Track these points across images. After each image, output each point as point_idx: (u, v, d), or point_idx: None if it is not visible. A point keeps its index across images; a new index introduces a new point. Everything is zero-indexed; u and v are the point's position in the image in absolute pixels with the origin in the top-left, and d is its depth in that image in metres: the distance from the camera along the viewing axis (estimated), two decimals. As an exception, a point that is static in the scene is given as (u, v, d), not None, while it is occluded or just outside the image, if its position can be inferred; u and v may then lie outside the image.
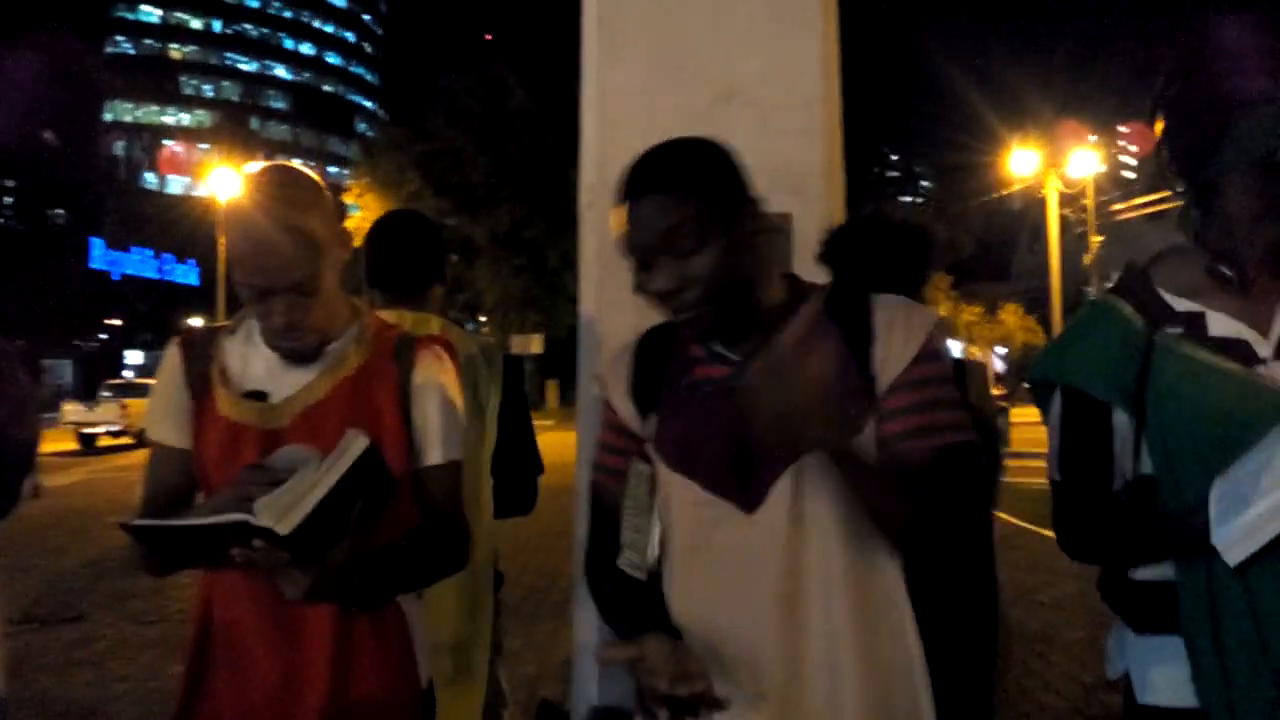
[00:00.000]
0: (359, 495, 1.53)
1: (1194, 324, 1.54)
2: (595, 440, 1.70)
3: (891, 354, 1.48)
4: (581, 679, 2.95)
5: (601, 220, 2.87)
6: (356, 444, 1.54)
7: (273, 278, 1.57)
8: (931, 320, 1.52)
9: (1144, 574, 1.59)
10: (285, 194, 1.58)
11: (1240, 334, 1.52)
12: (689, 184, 1.44)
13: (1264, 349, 1.50)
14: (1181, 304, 1.56)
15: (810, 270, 2.31)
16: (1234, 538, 1.35)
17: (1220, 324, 1.53)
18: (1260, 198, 1.52)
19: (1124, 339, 1.57)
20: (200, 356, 1.72)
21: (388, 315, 2.41)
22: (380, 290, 2.56)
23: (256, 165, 1.68)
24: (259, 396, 1.67)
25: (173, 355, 1.75)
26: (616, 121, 2.90)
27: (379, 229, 2.66)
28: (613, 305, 2.82)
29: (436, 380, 1.73)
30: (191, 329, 1.80)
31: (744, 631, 1.46)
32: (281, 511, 1.43)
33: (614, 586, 1.59)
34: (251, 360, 1.71)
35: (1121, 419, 1.57)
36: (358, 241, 2.57)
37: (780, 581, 1.45)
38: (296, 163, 1.79)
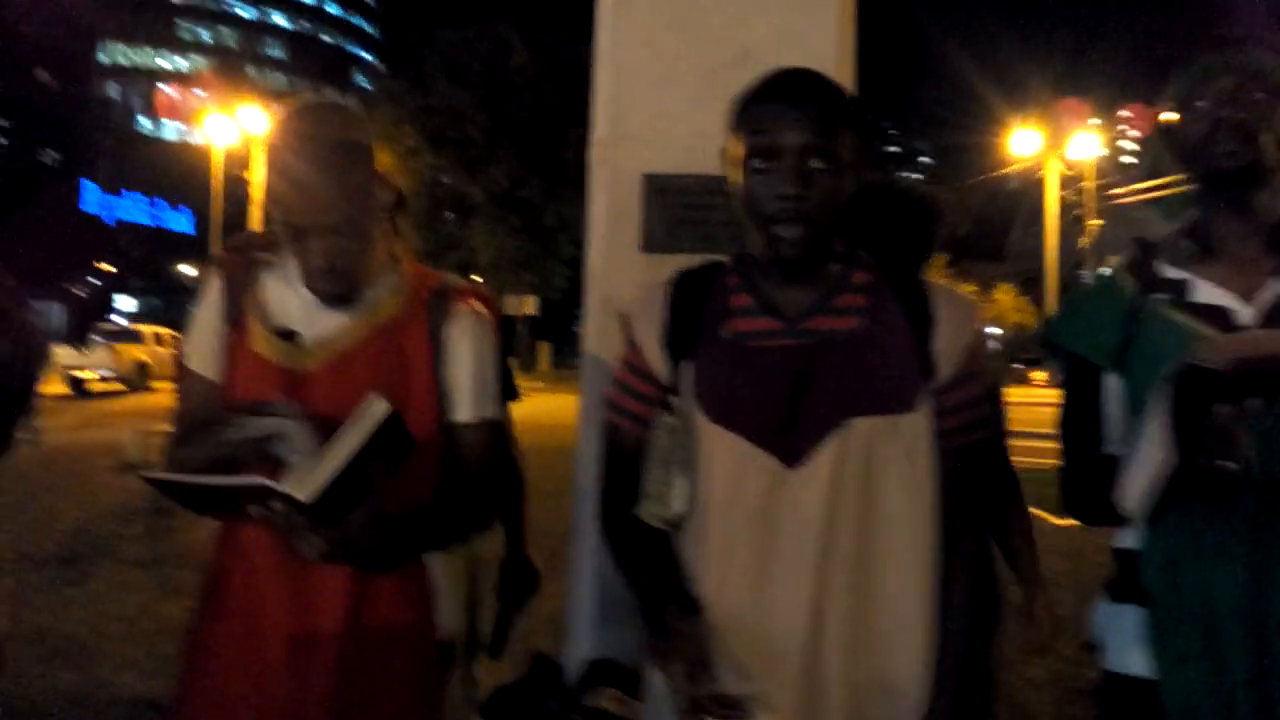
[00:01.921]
0: (378, 458, 1.51)
1: (1178, 291, 1.60)
2: (612, 378, 1.67)
3: (951, 344, 1.52)
4: (576, 631, 2.99)
5: (612, 177, 2.88)
6: (377, 408, 1.51)
7: (312, 218, 1.55)
8: (976, 311, 1.59)
9: (1123, 542, 1.66)
10: (326, 135, 1.56)
11: (1221, 301, 1.57)
12: (851, 112, 1.51)
13: (1244, 316, 1.55)
14: (1172, 272, 1.62)
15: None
16: (1123, 494, 1.43)
17: (1204, 291, 1.59)
18: (1198, 148, 1.59)
19: (1115, 306, 1.64)
20: (239, 287, 1.70)
21: None
22: None
23: (303, 99, 1.64)
24: (291, 336, 1.66)
25: (213, 284, 1.73)
26: (629, 78, 2.90)
27: None
28: (620, 263, 2.84)
29: (471, 335, 1.71)
30: (231, 257, 1.76)
31: (770, 591, 1.47)
32: (303, 477, 1.43)
33: (633, 535, 1.58)
34: (287, 298, 1.68)
35: (1113, 382, 1.64)
36: None
37: (815, 540, 1.46)
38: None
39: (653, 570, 1.55)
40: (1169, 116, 1.66)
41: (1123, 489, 1.43)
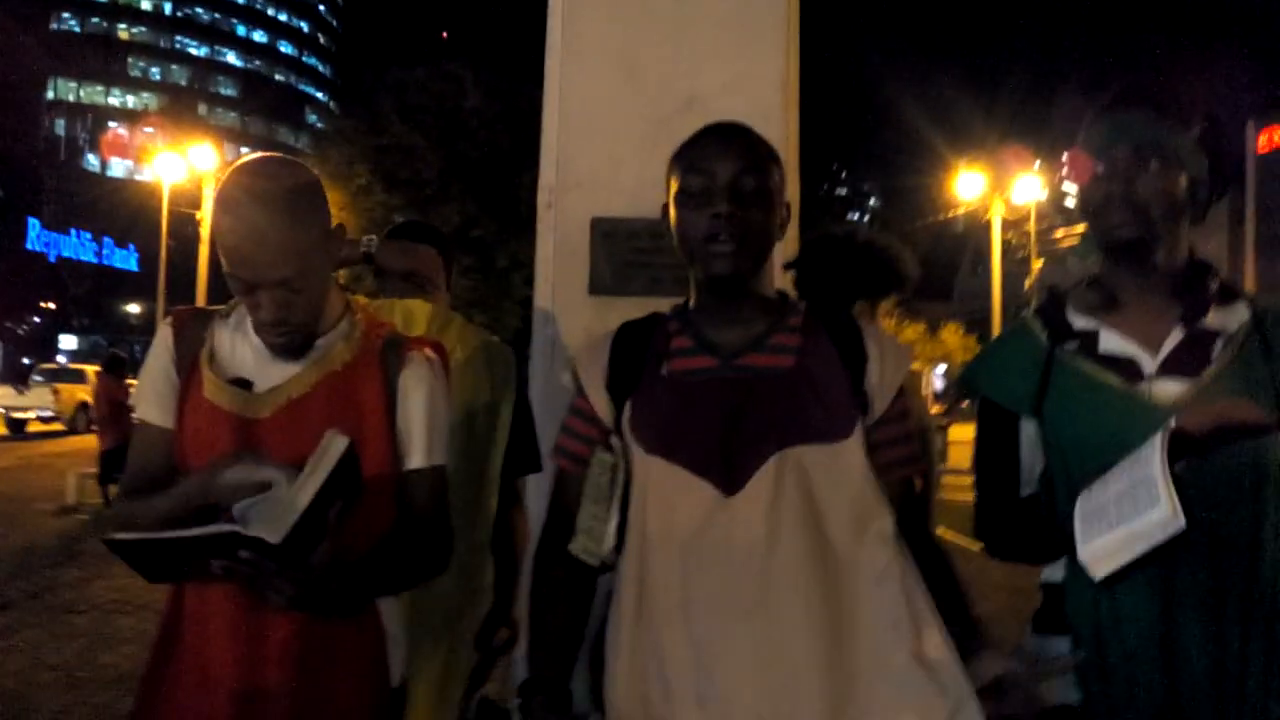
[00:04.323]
0: (338, 496, 1.52)
1: (1087, 340, 1.66)
2: (560, 423, 1.71)
3: (884, 380, 1.58)
4: (521, 675, 2.97)
5: (560, 220, 2.91)
6: (337, 444, 1.53)
7: (260, 273, 1.56)
8: (910, 355, 1.66)
9: (1047, 575, 1.71)
10: (276, 189, 1.56)
11: (1128, 351, 1.63)
12: (778, 158, 1.61)
13: (1150, 366, 1.61)
14: (1081, 322, 1.68)
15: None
16: (1098, 555, 1.43)
17: (1111, 341, 1.65)
18: (1094, 216, 1.66)
19: (1029, 354, 1.70)
20: (191, 338, 1.71)
21: (413, 305, 2.39)
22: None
23: (248, 155, 1.65)
24: (244, 385, 1.66)
25: (164, 334, 1.73)
26: (578, 125, 2.95)
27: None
28: (567, 305, 2.87)
29: (424, 382, 1.71)
30: (185, 309, 1.78)
31: (713, 618, 1.48)
32: (270, 520, 1.42)
33: (557, 580, 1.63)
34: (240, 347, 1.70)
35: (1030, 428, 1.69)
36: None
37: (754, 566, 1.47)
38: (244, 151, 1.76)
39: (554, 634, 1.61)
40: (1070, 177, 1.73)
41: (1098, 551, 1.42)
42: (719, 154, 1.57)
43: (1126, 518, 1.38)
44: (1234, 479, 1.53)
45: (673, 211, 1.61)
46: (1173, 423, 1.39)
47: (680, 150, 1.63)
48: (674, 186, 1.61)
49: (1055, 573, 1.67)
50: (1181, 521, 1.31)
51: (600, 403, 1.64)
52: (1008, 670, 1.40)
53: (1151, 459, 1.37)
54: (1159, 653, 1.54)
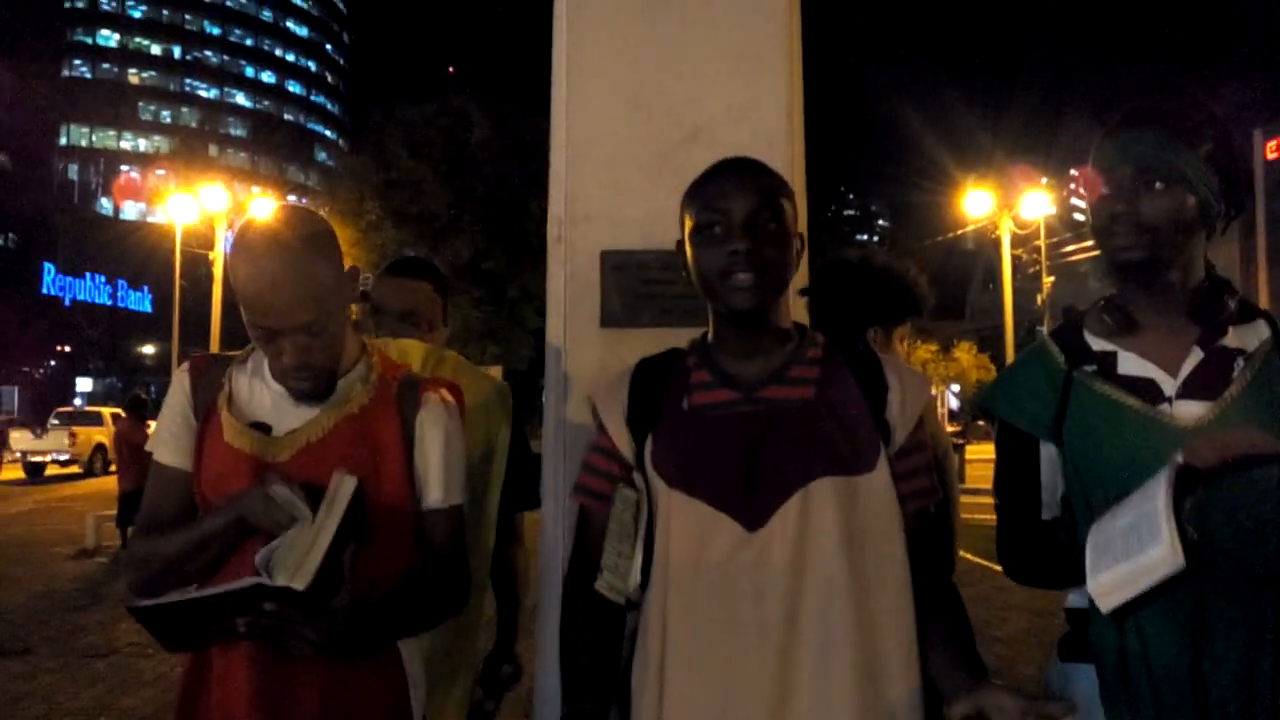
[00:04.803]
0: (351, 538, 1.52)
1: (1105, 363, 1.64)
2: (574, 457, 1.72)
3: (904, 411, 1.59)
4: (542, 711, 2.95)
5: (569, 254, 2.91)
6: (346, 485, 1.54)
7: (282, 320, 1.58)
8: (929, 387, 1.66)
9: (1073, 601, 1.68)
10: (290, 235, 1.59)
11: (1148, 373, 1.61)
12: (791, 192, 1.62)
13: (1170, 387, 1.59)
14: (1099, 344, 1.67)
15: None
16: (1105, 588, 1.40)
17: (1130, 363, 1.63)
18: (1100, 237, 1.65)
19: (1046, 377, 1.68)
20: (208, 383, 1.73)
21: (407, 345, 2.38)
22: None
23: (264, 205, 1.68)
24: (263, 429, 1.68)
25: (181, 379, 1.75)
26: (585, 158, 2.95)
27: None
28: (579, 339, 2.86)
29: (440, 423, 1.73)
30: (201, 355, 1.81)
31: (734, 654, 1.48)
32: (293, 568, 1.42)
33: (586, 619, 1.62)
34: (258, 392, 1.72)
35: (1050, 451, 1.67)
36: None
37: (778, 602, 1.47)
38: (255, 191, 1.79)
39: (589, 670, 1.60)
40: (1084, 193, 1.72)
41: (1105, 584, 1.40)
42: (732, 191, 1.57)
43: (1131, 552, 1.37)
44: (1264, 506, 1.50)
45: (688, 249, 1.62)
46: (1179, 458, 1.37)
47: (692, 188, 1.63)
48: (688, 224, 1.61)
49: (1080, 599, 1.65)
50: (1180, 561, 1.29)
51: (621, 438, 1.64)
52: (996, 705, 1.40)
53: (1157, 494, 1.35)
54: (1188, 680, 1.50)
